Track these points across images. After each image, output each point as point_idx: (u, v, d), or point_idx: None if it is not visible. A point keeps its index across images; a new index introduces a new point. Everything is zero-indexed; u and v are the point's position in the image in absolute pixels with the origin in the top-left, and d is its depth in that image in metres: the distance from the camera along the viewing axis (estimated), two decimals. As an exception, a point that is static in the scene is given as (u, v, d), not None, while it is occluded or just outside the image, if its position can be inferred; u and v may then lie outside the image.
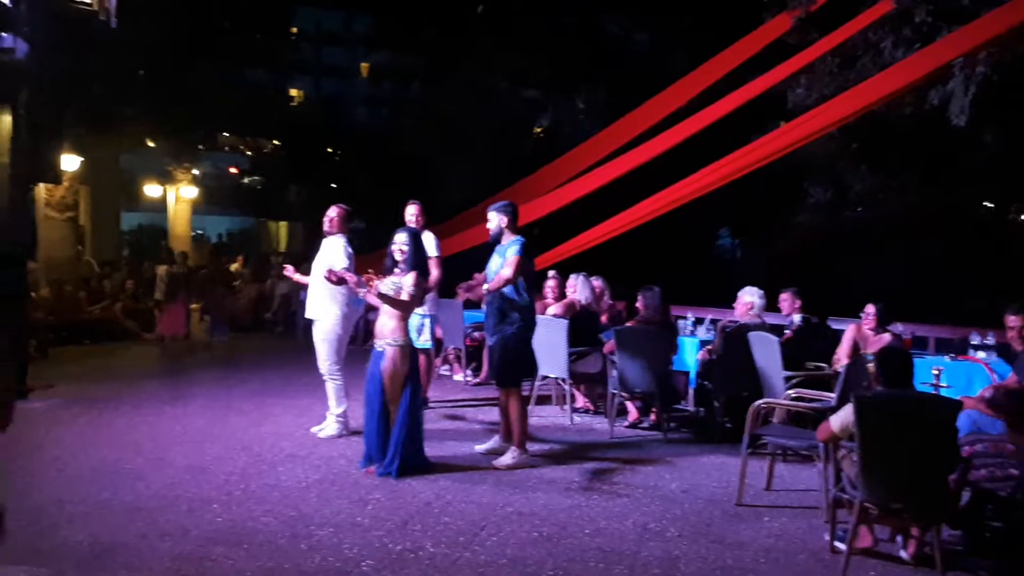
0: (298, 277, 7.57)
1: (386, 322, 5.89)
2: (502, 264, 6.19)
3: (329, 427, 6.97)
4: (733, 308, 7.88)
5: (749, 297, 7.74)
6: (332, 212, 7.17)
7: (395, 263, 5.98)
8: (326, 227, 7.15)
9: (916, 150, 14.41)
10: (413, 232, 6.15)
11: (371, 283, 5.90)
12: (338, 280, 6.43)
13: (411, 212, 7.78)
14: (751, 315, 7.61)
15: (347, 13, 38.57)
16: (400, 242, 5.98)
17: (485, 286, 6.22)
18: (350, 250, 7.04)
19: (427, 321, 7.61)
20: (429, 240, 7.65)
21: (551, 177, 13.59)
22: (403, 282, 5.89)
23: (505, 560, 4.38)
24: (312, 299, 7.06)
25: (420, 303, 6.20)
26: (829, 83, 11.29)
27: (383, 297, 5.82)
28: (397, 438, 5.76)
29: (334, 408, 6.99)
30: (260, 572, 4.14)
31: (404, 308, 5.90)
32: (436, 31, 23.68)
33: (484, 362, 9.64)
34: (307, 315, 7.13)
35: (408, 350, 5.88)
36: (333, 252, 6.98)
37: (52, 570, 4.07)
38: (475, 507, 5.22)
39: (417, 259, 5.96)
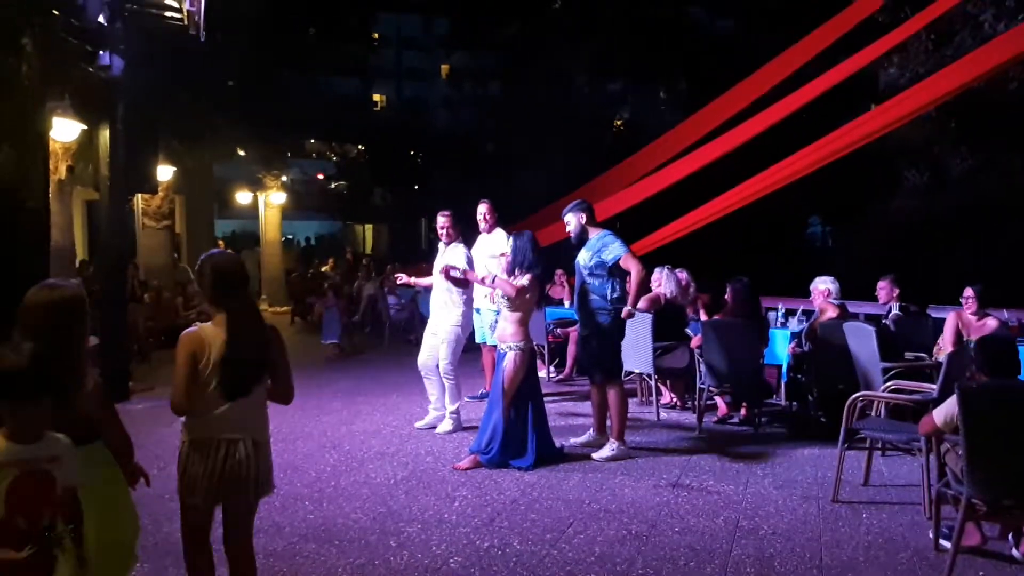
0: (415, 281, 7.67)
1: (506, 327, 6.08)
2: (598, 261, 6.16)
3: (445, 423, 7.11)
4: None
5: (823, 285, 7.58)
6: (444, 221, 7.30)
7: (514, 267, 6.14)
8: (444, 238, 7.32)
9: (1021, 129, 13.67)
10: (529, 236, 6.22)
11: (486, 281, 6.28)
12: (454, 279, 6.67)
13: (481, 211, 7.86)
14: (829, 302, 7.43)
15: (425, 17, 39.07)
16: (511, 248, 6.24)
17: (627, 308, 6.11)
18: (469, 254, 7.31)
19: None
20: (501, 238, 7.69)
21: (633, 170, 13.44)
22: (520, 282, 6.07)
23: (593, 559, 4.31)
24: (434, 302, 7.24)
25: (535, 303, 6.25)
26: (924, 61, 10.85)
27: (497, 281, 6.06)
28: (532, 435, 5.97)
29: (449, 406, 7.12)
30: (351, 569, 4.18)
31: (519, 304, 6.01)
32: (514, 28, 23.72)
33: (568, 358, 9.59)
34: (429, 317, 7.32)
35: (528, 354, 6.03)
36: (455, 259, 7.17)
37: (155, 565, 4.20)
38: (562, 504, 5.18)
39: (533, 262, 6.07)
